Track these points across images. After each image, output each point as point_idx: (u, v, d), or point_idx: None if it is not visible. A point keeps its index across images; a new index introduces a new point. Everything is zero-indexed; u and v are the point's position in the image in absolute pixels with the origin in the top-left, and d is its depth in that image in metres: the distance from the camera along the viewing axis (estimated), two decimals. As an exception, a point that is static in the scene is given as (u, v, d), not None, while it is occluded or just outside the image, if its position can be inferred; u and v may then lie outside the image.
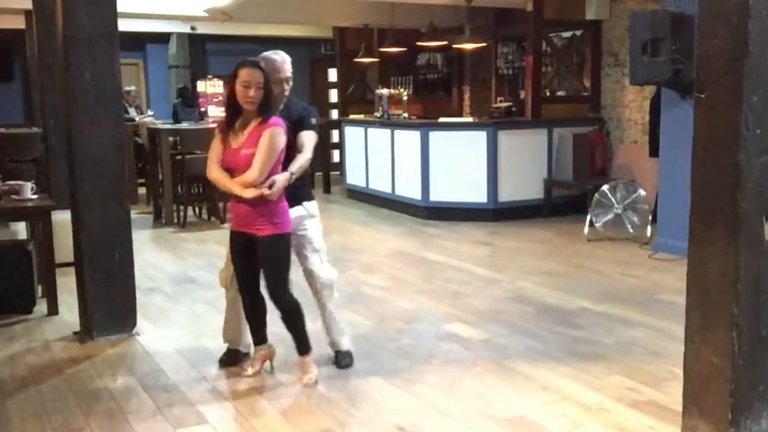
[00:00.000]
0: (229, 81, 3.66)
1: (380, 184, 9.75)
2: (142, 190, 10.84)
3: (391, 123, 9.72)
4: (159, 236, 8.36)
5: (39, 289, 5.44)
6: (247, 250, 3.77)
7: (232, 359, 4.18)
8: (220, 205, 9.12)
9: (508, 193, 8.69)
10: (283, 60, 3.95)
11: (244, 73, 3.59)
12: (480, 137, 8.63)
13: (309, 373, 3.88)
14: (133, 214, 5.48)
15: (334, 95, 14.15)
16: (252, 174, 3.61)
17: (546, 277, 6.08)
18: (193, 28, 12.55)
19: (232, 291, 4.11)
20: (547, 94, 9.73)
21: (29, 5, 7.62)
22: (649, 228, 7.32)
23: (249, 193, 3.62)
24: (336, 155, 12.18)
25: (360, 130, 10.49)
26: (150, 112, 12.10)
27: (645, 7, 8.00)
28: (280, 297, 3.79)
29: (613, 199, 7.48)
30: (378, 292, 5.72)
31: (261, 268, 3.78)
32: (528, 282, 5.94)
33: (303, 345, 3.90)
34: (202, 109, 12.82)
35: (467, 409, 3.55)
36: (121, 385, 3.92)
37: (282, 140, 3.67)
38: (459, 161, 8.74)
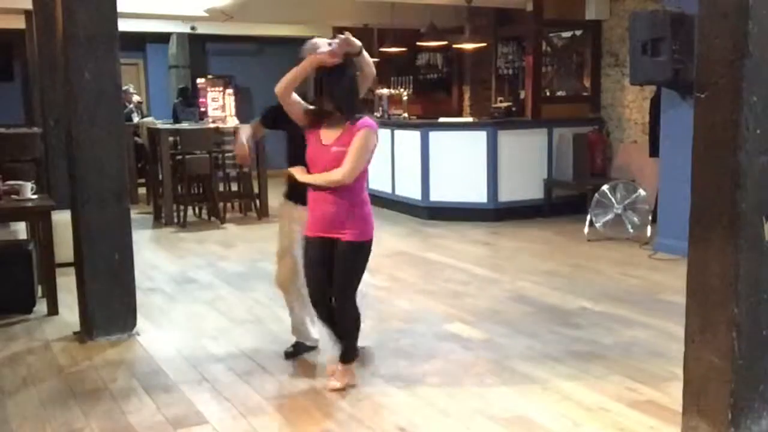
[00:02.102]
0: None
1: (380, 184, 9.74)
2: (142, 190, 10.84)
3: (391, 123, 9.71)
4: (159, 236, 8.36)
5: (39, 289, 5.44)
6: (326, 257, 3.61)
7: (298, 351, 4.24)
8: (220, 204, 9.15)
9: (508, 193, 8.70)
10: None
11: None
12: (480, 137, 8.63)
13: (338, 382, 3.75)
14: (133, 214, 5.48)
15: (333, 95, 14.11)
16: (342, 171, 3.45)
17: (546, 277, 6.08)
18: (193, 28, 12.54)
19: (293, 293, 4.10)
20: (547, 94, 9.73)
21: (29, 5, 7.61)
22: (649, 228, 7.32)
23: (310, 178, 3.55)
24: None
25: (360, 130, 10.48)
26: (137, 98, 12.03)
27: (645, 7, 8.01)
28: (349, 306, 3.70)
29: (613, 199, 7.48)
30: (378, 292, 5.71)
31: (335, 273, 3.62)
32: (528, 282, 5.94)
33: (352, 353, 3.80)
34: (202, 109, 12.83)
35: (467, 409, 3.55)
36: (121, 385, 3.92)
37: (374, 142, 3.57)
38: (459, 161, 8.74)
